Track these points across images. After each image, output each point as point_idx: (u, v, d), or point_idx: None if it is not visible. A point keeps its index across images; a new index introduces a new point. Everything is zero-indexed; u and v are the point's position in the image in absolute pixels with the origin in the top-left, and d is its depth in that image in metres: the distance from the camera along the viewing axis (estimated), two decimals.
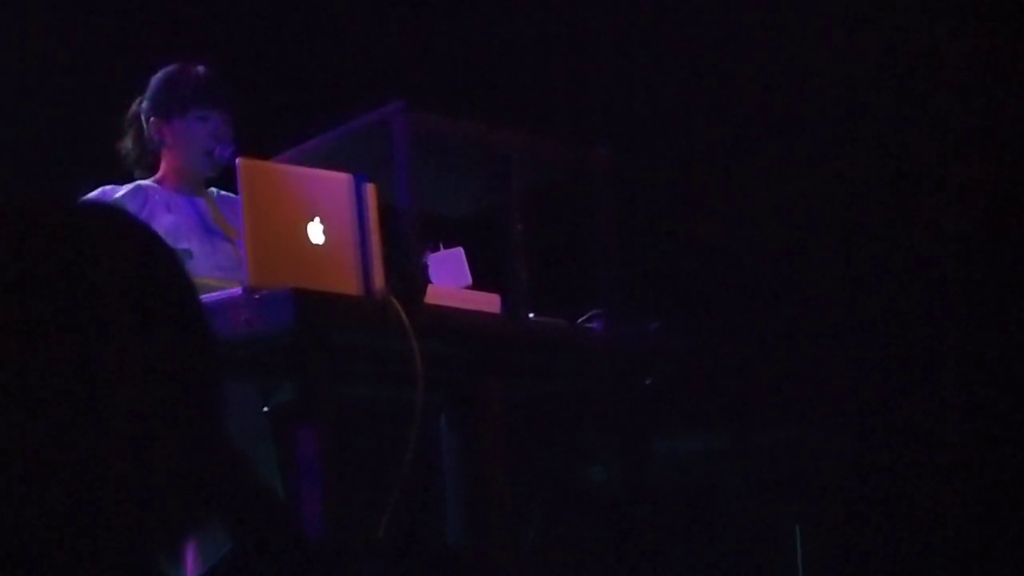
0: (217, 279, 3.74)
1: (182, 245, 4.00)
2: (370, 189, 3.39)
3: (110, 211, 1.24)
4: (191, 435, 1.19)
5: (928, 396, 5.37)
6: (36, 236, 1.20)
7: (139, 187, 4.15)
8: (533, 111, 5.15)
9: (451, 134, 3.66)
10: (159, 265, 1.23)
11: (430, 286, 3.46)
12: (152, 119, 4.16)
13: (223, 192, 4.20)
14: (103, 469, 1.15)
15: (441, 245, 3.74)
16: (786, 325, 5.59)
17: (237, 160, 3.39)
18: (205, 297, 3.13)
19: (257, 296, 3.15)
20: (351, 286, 3.32)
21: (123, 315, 1.17)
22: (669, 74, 5.66)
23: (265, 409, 3.73)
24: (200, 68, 4.15)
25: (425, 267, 3.53)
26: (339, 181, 3.38)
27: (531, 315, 3.62)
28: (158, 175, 4.19)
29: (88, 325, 1.16)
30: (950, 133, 5.44)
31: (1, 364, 1.15)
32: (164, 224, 4.03)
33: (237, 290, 3.20)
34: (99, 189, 4.07)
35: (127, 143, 4.24)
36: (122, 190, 4.12)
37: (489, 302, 3.57)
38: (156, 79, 4.19)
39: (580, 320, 3.74)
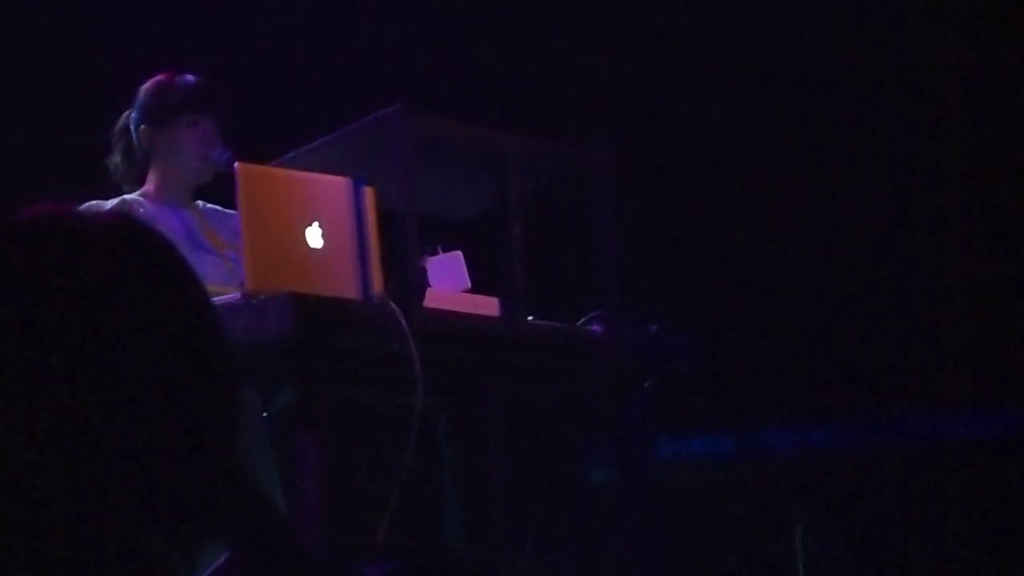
0: (211, 286, 3.71)
1: None
2: (368, 193, 3.39)
3: (121, 219, 1.24)
4: (203, 442, 1.19)
5: (930, 399, 5.36)
6: (50, 249, 1.20)
7: (124, 201, 4.09)
8: (533, 113, 5.15)
9: (449, 137, 3.66)
10: (171, 270, 1.22)
11: (429, 289, 3.45)
12: (142, 127, 4.11)
13: (210, 205, 4.16)
14: (114, 472, 1.15)
15: (440, 248, 3.73)
16: (791, 327, 5.58)
17: (235, 165, 3.38)
18: None
19: (256, 301, 3.15)
20: (350, 290, 3.31)
21: (138, 322, 1.17)
22: (671, 74, 5.65)
23: (264, 415, 3.71)
24: (188, 76, 4.12)
25: (424, 271, 3.52)
26: (337, 185, 3.37)
27: (530, 318, 3.61)
28: (145, 188, 4.14)
29: (104, 333, 1.16)
30: (952, 135, 5.44)
31: (19, 371, 1.15)
32: None
33: (236, 295, 3.19)
34: (84, 205, 4.02)
35: (115, 157, 4.19)
36: (107, 205, 4.07)
37: (488, 305, 3.57)
38: (145, 88, 4.14)
39: (579, 322, 3.73)
